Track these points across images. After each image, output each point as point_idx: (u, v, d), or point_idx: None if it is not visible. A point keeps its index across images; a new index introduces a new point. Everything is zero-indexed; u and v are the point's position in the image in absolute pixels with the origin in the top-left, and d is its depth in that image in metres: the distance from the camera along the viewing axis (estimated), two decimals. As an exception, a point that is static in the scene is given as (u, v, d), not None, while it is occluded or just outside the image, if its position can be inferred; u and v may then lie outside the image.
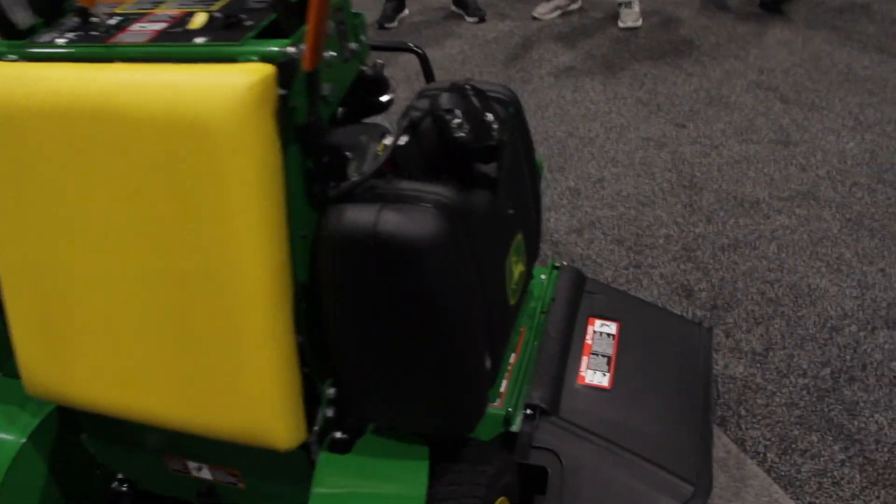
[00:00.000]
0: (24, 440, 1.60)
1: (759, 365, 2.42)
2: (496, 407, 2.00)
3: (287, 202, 1.27)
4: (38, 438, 1.62)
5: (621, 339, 2.21)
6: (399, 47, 2.07)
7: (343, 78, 1.48)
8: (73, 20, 1.40)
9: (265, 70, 1.20)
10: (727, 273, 2.79)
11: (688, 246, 2.94)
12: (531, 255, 1.76)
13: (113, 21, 1.37)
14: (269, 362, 1.31)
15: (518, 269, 1.59)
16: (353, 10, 1.49)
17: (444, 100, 1.35)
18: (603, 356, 2.16)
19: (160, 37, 1.30)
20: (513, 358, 2.15)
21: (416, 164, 1.38)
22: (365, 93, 2.02)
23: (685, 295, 2.71)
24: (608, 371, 2.11)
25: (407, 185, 1.30)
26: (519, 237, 1.59)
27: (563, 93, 4.16)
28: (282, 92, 1.21)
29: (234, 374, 1.32)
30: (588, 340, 2.21)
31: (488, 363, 1.44)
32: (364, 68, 1.95)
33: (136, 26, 1.34)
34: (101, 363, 1.42)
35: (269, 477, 1.63)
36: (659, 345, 2.23)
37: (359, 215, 1.23)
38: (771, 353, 2.46)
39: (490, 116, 1.37)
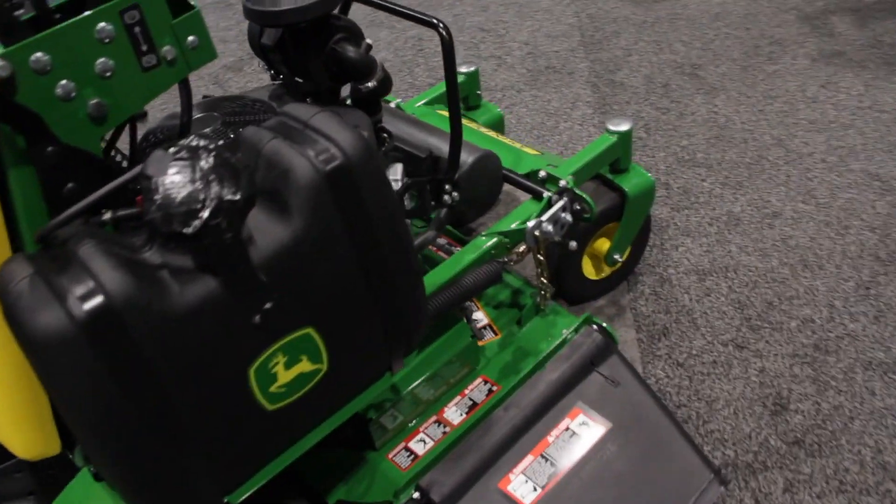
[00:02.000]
0: None
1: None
2: (400, 470, 1.71)
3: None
4: None
5: (593, 453, 1.72)
6: (423, 20, 1.67)
7: (139, 90, 1.23)
8: None
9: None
10: (850, 404, 2.05)
11: (823, 346, 2.20)
12: (385, 343, 1.38)
13: None
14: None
15: (294, 371, 1.24)
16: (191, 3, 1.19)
17: (153, 161, 1.01)
18: (552, 465, 1.70)
19: None
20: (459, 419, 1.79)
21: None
22: (348, 78, 1.69)
23: (771, 409, 2.05)
24: (542, 488, 1.66)
25: (87, 250, 1.00)
26: (304, 333, 1.23)
27: (807, 84, 3.28)
28: None
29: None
30: (550, 437, 1.75)
31: (197, 476, 1.15)
32: (349, 49, 1.61)
33: None
34: None
35: None
36: (639, 479, 1.70)
37: (12, 273, 0.98)
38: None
39: (209, 197, 1.02)
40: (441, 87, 2.54)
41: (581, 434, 1.76)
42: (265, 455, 1.31)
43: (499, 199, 2.30)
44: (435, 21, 1.65)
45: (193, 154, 1.06)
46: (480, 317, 2.06)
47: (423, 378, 1.84)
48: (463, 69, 2.48)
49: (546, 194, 1.93)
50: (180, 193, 1.03)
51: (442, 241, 2.31)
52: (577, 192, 1.95)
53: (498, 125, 2.61)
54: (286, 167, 1.16)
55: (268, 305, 1.15)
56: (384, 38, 3.92)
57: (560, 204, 1.88)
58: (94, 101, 1.18)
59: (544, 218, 1.86)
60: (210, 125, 1.65)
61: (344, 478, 1.77)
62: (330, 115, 1.26)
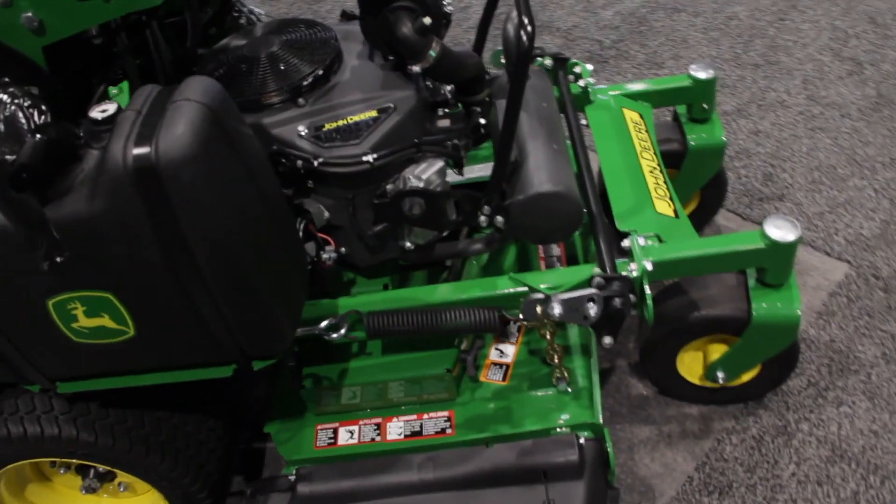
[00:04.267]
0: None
1: None
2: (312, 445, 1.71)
3: None
4: None
5: None
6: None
7: (73, 16, 1.27)
8: None
9: None
10: None
11: None
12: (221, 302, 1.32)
13: None
14: None
15: (95, 321, 1.29)
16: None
17: None
18: None
19: None
20: None
21: None
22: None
23: None
24: None
25: None
26: (103, 295, 1.25)
27: None
28: None
29: None
30: None
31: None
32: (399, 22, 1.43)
33: None
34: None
35: None
36: None
37: None
38: None
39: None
40: (645, 85, 2.10)
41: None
42: (84, 368, 1.41)
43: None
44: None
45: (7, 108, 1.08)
46: (509, 353, 1.81)
47: (395, 378, 1.73)
48: (699, 72, 1.98)
49: (594, 271, 1.55)
50: None
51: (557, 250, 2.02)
52: (645, 291, 1.53)
53: (705, 154, 2.07)
54: (110, 146, 1.13)
55: (59, 258, 1.17)
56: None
57: (588, 293, 1.50)
58: (28, 13, 1.23)
59: (560, 297, 1.51)
60: (256, 45, 1.62)
61: (281, 418, 1.79)
62: (189, 106, 1.15)
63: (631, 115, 1.97)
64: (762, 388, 1.88)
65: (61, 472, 1.78)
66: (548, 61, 2.03)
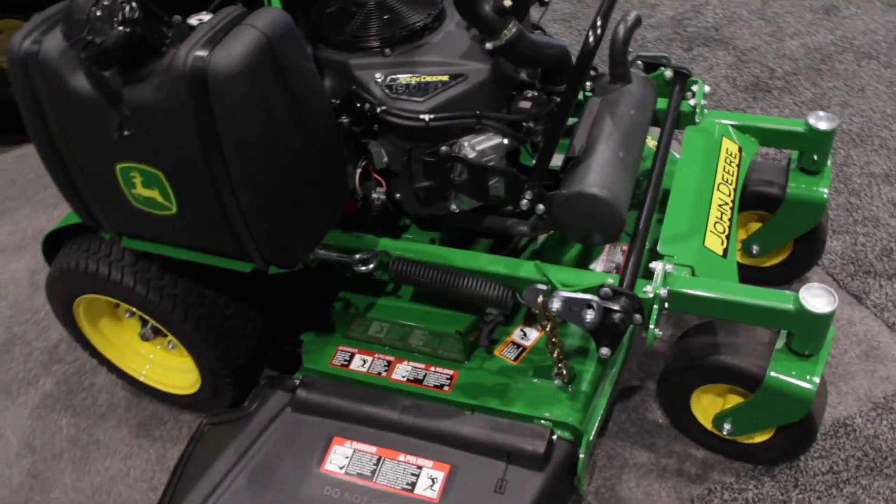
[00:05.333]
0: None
1: None
2: (328, 362, 1.88)
3: None
4: None
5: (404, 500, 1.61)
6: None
7: None
8: None
9: None
10: None
11: None
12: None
13: None
14: None
15: (148, 192, 1.50)
16: None
17: None
18: (376, 473, 1.67)
19: None
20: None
21: None
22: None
23: None
24: (342, 470, 1.65)
25: None
26: (155, 171, 1.46)
27: None
28: None
29: None
30: (402, 456, 1.67)
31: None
32: None
33: None
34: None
35: None
36: None
37: None
38: None
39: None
40: (759, 120, 2.02)
41: (420, 481, 1.63)
42: (141, 230, 1.64)
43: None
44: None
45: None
46: (531, 338, 1.86)
47: (420, 326, 1.84)
48: (818, 122, 1.88)
49: (608, 281, 1.56)
50: (74, 17, 1.30)
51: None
52: (653, 315, 1.53)
53: (802, 206, 1.97)
54: (180, 48, 1.31)
55: (126, 132, 1.38)
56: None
57: (588, 298, 1.52)
58: None
59: (562, 293, 1.54)
60: None
61: (317, 331, 1.97)
62: (250, 31, 1.30)
63: (729, 146, 1.92)
64: (773, 455, 1.80)
65: (127, 315, 2.07)
66: (668, 73, 2.01)
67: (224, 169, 1.37)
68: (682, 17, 3.48)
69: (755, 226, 2.11)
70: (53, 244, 1.97)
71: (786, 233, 2.06)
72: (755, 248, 2.10)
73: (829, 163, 1.97)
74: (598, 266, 1.99)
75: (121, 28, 1.28)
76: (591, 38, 1.42)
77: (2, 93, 3.34)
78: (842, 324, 2.13)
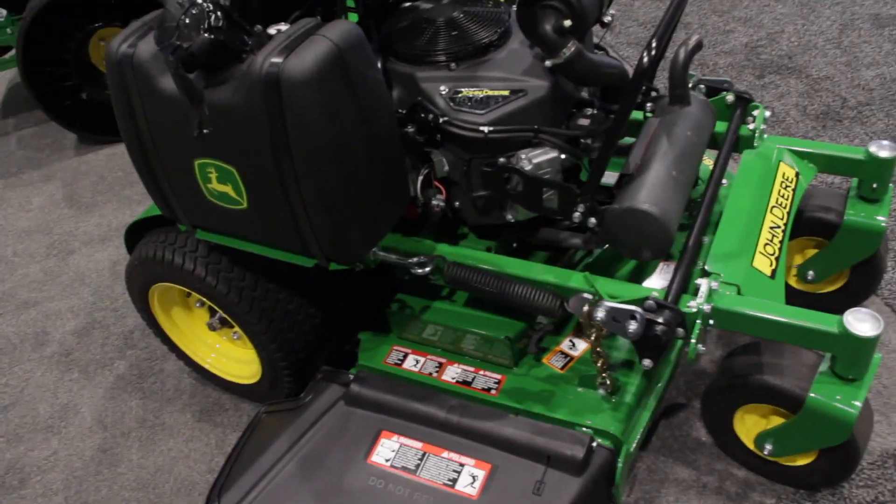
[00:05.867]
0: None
1: None
2: (382, 360, 1.96)
3: None
4: None
5: (444, 497, 1.67)
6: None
7: None
8: None
9: None
10: None
11: None
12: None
13: None
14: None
15: (222, 188, 1.62)
16: None
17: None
18: (420, 468, 1.72)
19: None
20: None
21: None
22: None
23: None
24: (388, 462, 1.72)
25: None
26: (229, 168, 1.58)
27: None
28: None
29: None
30: (446, 453, 1.73)
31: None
32: (544, 17, 1.60)
33: None
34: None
35: None
36: None
37: None
38: None
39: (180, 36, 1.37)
40: (818, 147, 2.02)
41: (461, 478, 1.69)
42: (214, 223, 1.76)
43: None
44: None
45: (199, 8, 1.42)
46: (579, 349, 1.91)
47: (471, 330, 1.91)
48: (879, 150, 1.88)
49: (653, 294, 1.60)
50: (166, 24, 1.43)
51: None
52: (695, 330, 1.56)
53: (859, 234, 1.96)
54: (258, 55, 1.43)
55: (206, 130, 1.50)
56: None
57: (631, 309, 1.56)
58: None
59: (607, 304, 1.59)
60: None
61: (374, 331, 2.06)
62: (323, 42, 1.40)
63: (786, 171, 1.93)
64: (815, 480, 1.80)
65: (197, 305, 2.20)
66: (730, 97, 2.04)
67: (291, 168, 1.48)
68: (756, 45, 3.48)
69: (812, 252, 2.11)
70: (135, 235, 2.12)
71: (842, 260, 2.05)
72: (810, 274, 2.10)
73: (890, 192, 1.97)
74: (650, 283, 2.02)
75: (206, 35, 1.40)
76: (645, 59, 1.48)
77: (97, 96, 3.60)
78: (897, 355, 2.11)
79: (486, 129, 1.67)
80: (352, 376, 1.93)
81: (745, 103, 2.05)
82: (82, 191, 3.41)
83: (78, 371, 2.51)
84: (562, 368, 1.88)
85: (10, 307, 2.83)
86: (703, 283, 1.63)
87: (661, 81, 1.99)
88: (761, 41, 3.49)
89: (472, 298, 1.98)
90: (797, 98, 3.10)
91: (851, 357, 1.56)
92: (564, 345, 1.93)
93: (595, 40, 1.92)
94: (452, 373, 1.92)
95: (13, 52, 3.76)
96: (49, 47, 3.42)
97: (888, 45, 3.30)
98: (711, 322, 1.63)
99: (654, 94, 1.96)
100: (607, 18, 1.72)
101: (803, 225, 2.04)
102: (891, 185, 1.97)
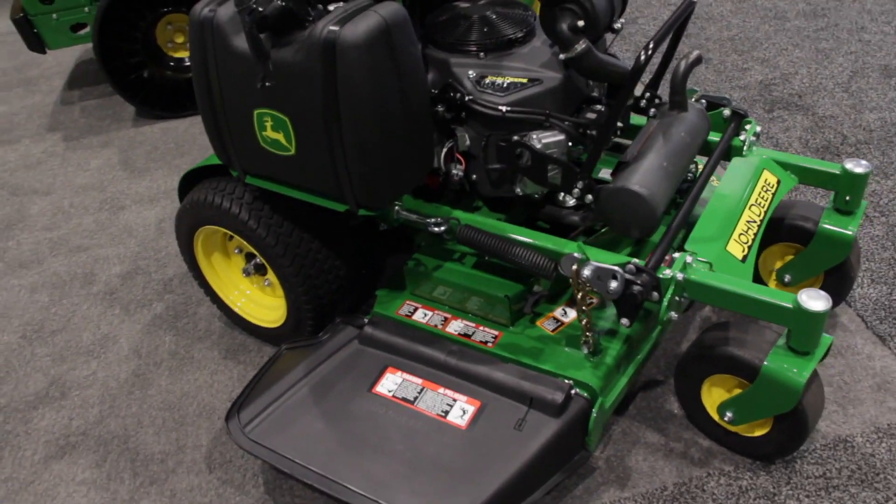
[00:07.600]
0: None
1: None
2: (395, 311, 2.20)
3: None
4: None
5: (435, 424, 1.91)
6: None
7: None
8: None
9: None
10: None
11: None
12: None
13: None
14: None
15: (275, 135, 1.89)
16: None
17: None
18: (417, 399, 1.96)
19: None
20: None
21: None
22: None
23: None
24: (390, 393, 1.97)
25: None
26: (284, 117, 1.85)
27: None
28: None
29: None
30: (442, 389, 1.96)
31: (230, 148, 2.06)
32: (561, 17, 1.86)
33: None
34: None
35: None
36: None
37: None
38: None
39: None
40: (800, 160, 2.25)
41: (453, 411, 1.92)
42: (263, 169, 2.02)
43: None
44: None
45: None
46: (570, 317, 2.14)
47: (476, 290, 2.15)
48: (853, 167, 2.11)
49: (634, 261, 1.83)
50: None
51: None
52: (667, 295, 1.79)
53: (831, 242, 2.18)
54: (318, 23, 1.70)
55: (268, 84, 1.77)
56: None
57: (614, 269, 1.79)
58: None
59: (593, 263, 1.82)
60: None
61: (389, 287, 2.31)
62: (374, 16, 1.68)
63: (768, 177, 2.17)
64: (769, 450, 2.00)
65: (235, 251, 2.47)
66: (727, 111, 2.28)
67: (337, 120, 1.74)
68: (770, 83, 3.73)
69: (790, 257, 2.34)
70: (188, 185, 2.40)
71: (815, 265, 2.27)
72: (787, 277, 2.32)
73: (863, 206, 2.19)
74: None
75: (278, 2, 1.68)
76: (642, 57, 1.74)
77: (158, 75, 3.93)
78: (861, 357, 2.31)
79: (504, 108, 1.93)
80: (366, 320, 2.18)
81: (739, 118, 2.29)
82: (136, 157, 3.72)
83: (119, 308, 2.79)
84: (553, 331, 2.11)
85: (64, 250, 3.12)
86: (679, 255, 1.86)
87: (664, 89, 2.23)
88: (775, 80, 3.74)
89: (479, 264, 2.22)
90: (801, 132, 3.33)
91: (804, 331, 1.78)
92: (557, 312, 2.16)
93: (608, 47, 2.18)
94: (456, 326, 2.16)
95: (87, 29, 4.11)
96: (122, 26, 3.77)
97: (893, 93, 3.54)
98: (685, 293, 1.86)
99: (657, 101, 2.22)
100: (617, 25, 1.98)
101: (784, 232, 2.27)
102: (864, 200, 2.20)
